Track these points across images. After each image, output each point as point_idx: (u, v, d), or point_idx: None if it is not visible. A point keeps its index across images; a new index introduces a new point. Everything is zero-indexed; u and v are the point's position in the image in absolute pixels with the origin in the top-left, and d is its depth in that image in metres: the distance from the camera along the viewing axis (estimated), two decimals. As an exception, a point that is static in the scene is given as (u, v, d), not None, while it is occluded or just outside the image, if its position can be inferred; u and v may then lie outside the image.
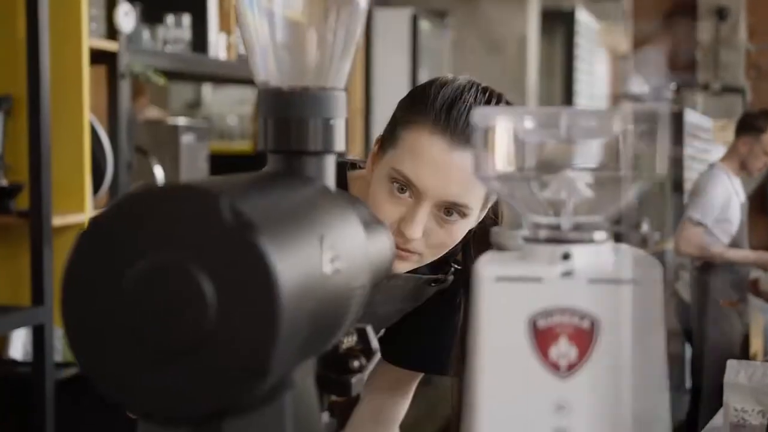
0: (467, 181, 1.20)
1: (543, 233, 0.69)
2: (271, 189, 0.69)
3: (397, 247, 1.22)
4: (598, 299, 0.66)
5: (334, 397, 0.89)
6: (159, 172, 2.82)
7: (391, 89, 4.43)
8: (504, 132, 0.69)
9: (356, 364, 0.84)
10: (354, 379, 0.84)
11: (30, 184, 2.25)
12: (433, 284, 1.39)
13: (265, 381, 0.59)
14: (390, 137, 1.25)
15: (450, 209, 1.22)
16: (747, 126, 4.26)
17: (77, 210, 2.40)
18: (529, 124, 0.69)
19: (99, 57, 2.54)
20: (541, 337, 0.66)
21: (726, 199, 4.21)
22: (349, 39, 0.81)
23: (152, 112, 4.01)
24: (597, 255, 0.68)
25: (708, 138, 7.09)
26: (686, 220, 4.22)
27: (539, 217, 0.70)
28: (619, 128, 0.68)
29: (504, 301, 0.66)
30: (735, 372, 2.00)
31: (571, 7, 6.92)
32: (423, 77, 5.89)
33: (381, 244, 0.83)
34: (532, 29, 5.50)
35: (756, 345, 4.50)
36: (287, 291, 0.59)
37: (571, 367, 0.66)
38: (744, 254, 4.32)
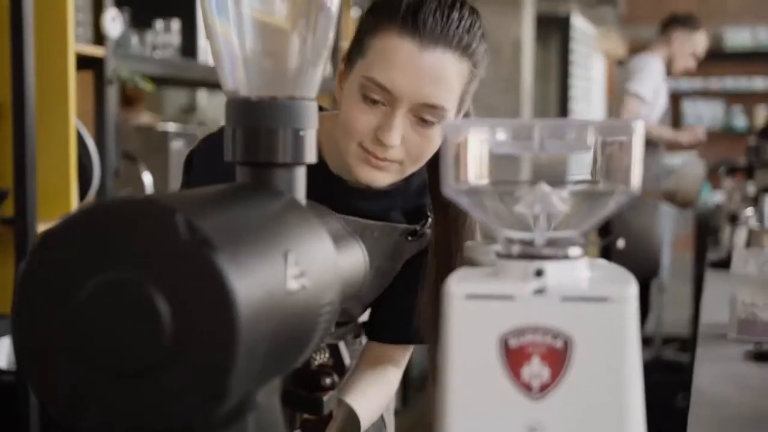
0: (441, 82, 1.18)
1: (516, 249, 0.67)
2: (235, 203, 0.67)
3: (376, 157, 1.21)
4: (572, 318, 0.63)
5: (306, 416, 0.86)
6: (147, 179, 2.79)
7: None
8: (475, 145, 0.67)
9: (328, 381, 0.82)
10: (326, 397, 0.82)
11: (15, 190, 2.22)
12: (410, 238, 1.38)
13: (223, 404, 0.57)
14: (357, 48, 1.23)
15: (425, 114, 1.20)
16: (682, 22, 4.41)
17: (63, 216, 2.38)
18: (501, 136, 0.67)
19: (86, 62, 2.52)
20: (513, 357, 0.63)
21: (659, 83, 4.37)
22: (320, 46, 0.79)
23: (145, 118, 3.99)
24: (571, 271, 0.66)
25: (589, 44, 7.31)
26: (627, 94, 4.34)
27: (512, 232, 0.68)
28: (592, 141, 0.65)
29: (474, 319, 0.64)
30: (743, 262, 1.89)
31: (566, 13, 6.91)
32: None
33: (352, 258, 0.80)
34: (527, 34, 5.48)
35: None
36: (246, 310, 0.57)
37: (544, 388, 0.63)
38: (669, 132, 4.58)
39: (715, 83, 9.82)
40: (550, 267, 0.65)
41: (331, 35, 0.80)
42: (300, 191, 0.77)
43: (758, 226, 2.90)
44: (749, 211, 3.02)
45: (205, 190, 0.69)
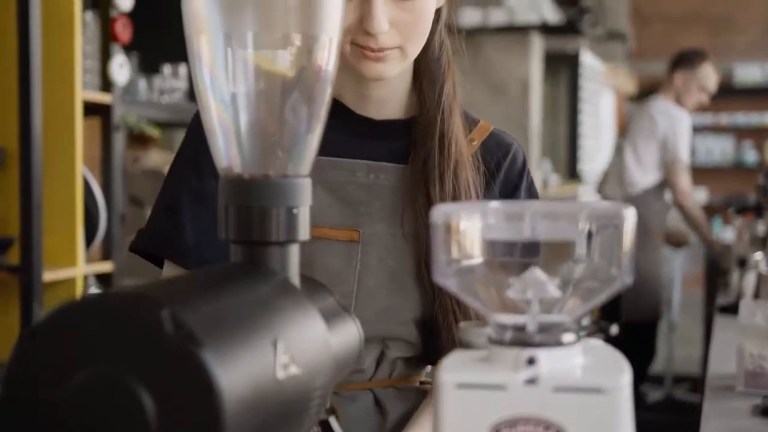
0: None
1: (508, 335, 0.66)
2: (223, 290, 0.66)
3: (372, 50, 1.16)
4: (565, 408, 0.62)
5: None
6: (154, 223, 2.79)
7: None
8: (466, 229, 0.67)
9: (320, 460, 0.81)
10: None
11: (20, 238, 2.23)
12: None
13: (209, 500, 0.56)
14: None
15: None
16: (681, 62, 4.40)
17: (69, 264, 2.38)
18: (492, 221, 0.66)
19: (93, 109, 2.53)
20: (505, 448, 0.62)
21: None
22: (314, 116, 0.79)
23: (154, 157, 4.00)
24: (564, 359, 0.65)
25: (599, 80, 7.32)
26: (679, 163, 4.29)
27: (504, 317, 0.67)
28: (584, 227, 0.65)
29: (466, 409, 0.63)
30: (750, 312, 1.85)
31: (575, 50, 6.92)
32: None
33: (346, 335, 0.80)
34: (535, 72, 5.49)
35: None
36: (233, 405, 0.56)
37: (536, 480, 0.62)
38: (706, 228, 4.52)
39: (725, 119, 9.83)
40: (543, 354, 0.64)
41: (324, 113, 0.80)
42: (293, 269, 0.77)
43: (768, 270, 2.89)
44: (758, 255, 3.00)
45: (195, 276, 0.68)
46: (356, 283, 1.20)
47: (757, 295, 2.84)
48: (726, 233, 7.46)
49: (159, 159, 3.97)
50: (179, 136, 4.80)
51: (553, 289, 0.67)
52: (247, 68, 0.76)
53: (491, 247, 0.67)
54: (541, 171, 5.96)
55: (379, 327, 1.22)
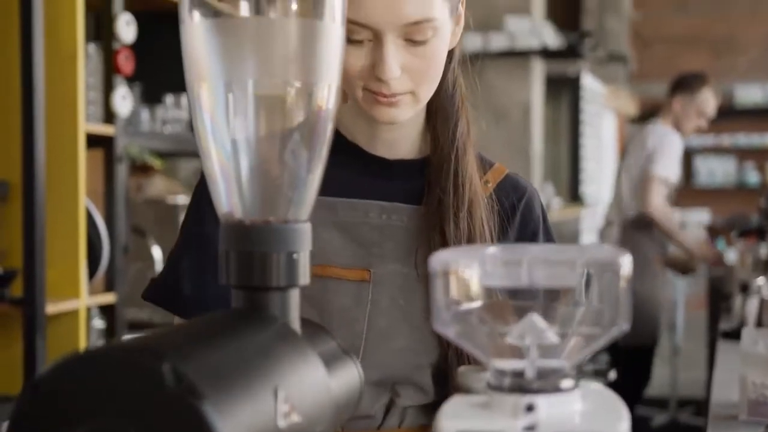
0: None
1: (506, 381, 0.66)
2: (223, 338, 0.67)
3: (384, 96, 1.15)
4: (563, 455, 0.63)
5: None
6: (157, 253, 2.80)
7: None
8: (464, 276, 0.67)
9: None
10: None
11: (24, 271, 2.23)
12: None
13: None
14: None
15: (414, 34, 1.13)
16: (680, 86, 4.40)
17: (72, 296, 2.39)
18: (489, 268, 0.67)
19: (96, 141, 2.55)
20: (505, 496, 0.63)
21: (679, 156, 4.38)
22: (314, 159, 0.79)
23: (158, 184, 4.01)
24: (563, 405, 0.65)
25: (600, 103, 7.33)
26: (654, 177, 4.27)
27: (503, 363, 0.68)
28: (581, 274, 0.65)
29: (465, 456, 0.64)
30: (752, 341, 1.84)
31: (576, 73, 6.95)
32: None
33: (347, 379, 0.80)
34: (536, 97, 5.51)
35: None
36: (234, 457, 0.57)
37: None
38: (690, 242, 4.52)
39: (727, 139, 9.85)
40: (542, 401, 0.65)
41: (324, 156, 0.81)
42: (294, 313, 0.77)
43: (770, 295, 2.88)
44: (761, 280, 3.00)
45: (195, 325, 0.69)
46: (366, 323, 1.19)
47: (760, 320, 2.84)
48: (729, 254, 7.44)
49: (163, 186, 3.98)
50: (182, 164, 4.82)
51: (551, 335, 0.67)
52: (247, 115, 0.77)
53: (489, 293, 0.68)
54: (543, 194, 5.97)
55: (390, 370, 1.20)
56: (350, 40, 1.13)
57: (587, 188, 7.47)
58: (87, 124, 2.46)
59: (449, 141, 1.23)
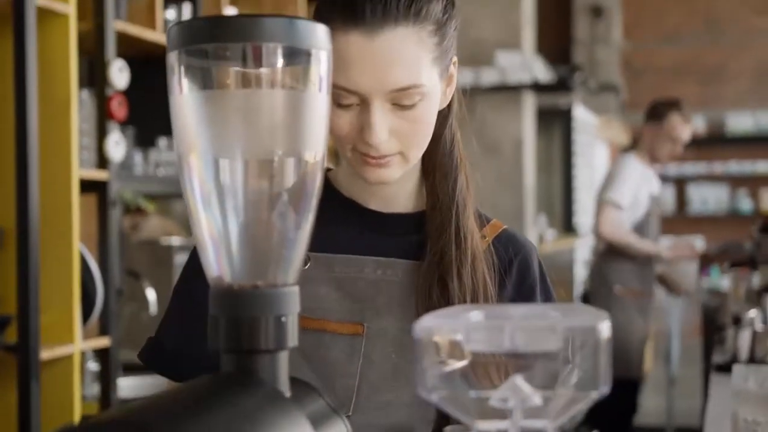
0: (401, 62, 1.12)
1: (491, 445, 0.68)
2: (212, 405, 0.68)
3: (372, 157, 1.15)
4: None
5: None
6: (151, 296, 2.81)
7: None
8: (448, 342, 0.69)
9: None
10: None
11: (18, 317, 2.24)
12: None
13: None
14: None
15: (401, 98, 1.13)
16: (650, 114, 4.43)
17: (67, 341, 2.40)
18: (473, 334, 0.68)
19: (90, 186, 2.57)
20: None
21: (638, 185, 4.31)
22: (300, 233, 0.81)
23: (154, 223, 4.02)
24: (546, 467, 0.67)
25: (592, 133, 7.36)
26: (605, 201, 4.28)
27: (486, 424, 0.69)
28: (561, 340, 0.67)
29: None
30: (743, 378, 1.84)
31: (567, 105, 7.00)
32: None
33: (336, 440, 0.82)
34: (528, 130, 5.55)
35: (648, 358, 4.52)
36: None
37: None
38: (656, 248, 4.44)
39: (719, 167, 9.91)
40: (525, 464, 0.66)
41: (311, 218, 0.82)
42: (283, 376, 0.79)
43: (763, 328, 2.89)
44: (752, 312, 3.01)
45: (183, 391, 0.70)
46: (359, 377, 1.20)
47: (752, 353, 2.85)
48: (722, 282, 7.45)
49: (158, 226, 3.99)
50: (176, 205, 4.84)
51: (534, 397, 0.69)
52: (235, 183, 0.78)
53: (473, 358, 0.69)
54: (536, 227, 5.99)
55: (381, 421, 1.21)
56: (339, 104, 1.14)
57: (580, 218, 7.50)
58: (81, 169, 2.47)
59: (449, 196, 1.23)
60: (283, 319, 0.78)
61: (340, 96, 1.13)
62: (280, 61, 0.77)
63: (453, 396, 0.70)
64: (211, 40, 0.76)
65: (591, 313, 0.70)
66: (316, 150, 0.80)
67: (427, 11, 1.14)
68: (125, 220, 3.09)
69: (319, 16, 1.16)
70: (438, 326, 0.69)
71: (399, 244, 1.26)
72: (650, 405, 6.43)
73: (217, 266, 0.80)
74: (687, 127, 4.44)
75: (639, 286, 4.35)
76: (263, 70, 0.76)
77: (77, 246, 2.42)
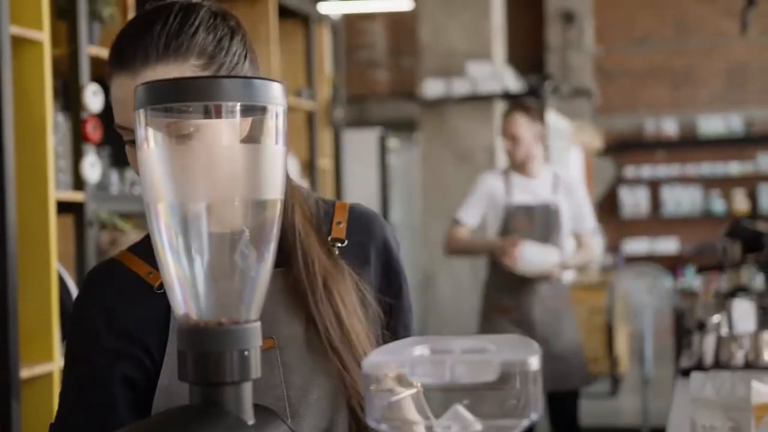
0: None
1: (434, 470, 0.75)
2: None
3: None
4: None
5: None
6: (129, 312, 2.85)
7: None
8: (394, 376, 0.76)
9: None
10: None
11: (-3, 337, 2.29)
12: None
13: None
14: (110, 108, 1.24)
15: (180, 128, 1.13)
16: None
17: (46, 360, 2.45)
18: (417, 369, 0.75)
19: (66, 207, 2.62)
20: None
21: (489, 200, 4.09)
22: (261, 272, 0.88)
23: (132, 238, 4.06)
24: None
25: (566, 138, 7.43)
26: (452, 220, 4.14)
27: (433, 452, 0.76)
28: (497, 374, 0.74)
29: None
30: (701, 385, 1.89)
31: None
32: (393, 192, 6.02)
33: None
34: (500, 139, 5.63)
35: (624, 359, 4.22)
36: None
37: None
38: (486, 242, 4.13)
39: (692, 169, 10.03)
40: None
41: (271, 258, 0.89)
42: (247, 405, 0.85)
43: (727, 333, 2.96)
44: (716, 318, 3.08)
45: (156, 421, 0.77)
46: (284, 385, 1.22)
47: (717, 358, 2.92)
48: (696, 283, 7.54)
49: (135, 237, 4.03)
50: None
51: (475, 425, 0.76)
52: (199, 229, 0.85)
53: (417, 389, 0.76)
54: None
55: (318, 421, 1.25)
56: (127, 142, 1.20)
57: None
58: (57, 191, 2.53)
59: (291, 227, 1.26)
60: (246, 352, 0.85)
61: (127, 135, 1.19)
62: (238, 117, 0.83)
63: (399, 425, 0.77)
64: (175, 100, 0.82)
65: (524, 346, 0.77)
66: (274, 195, 0.87)
67: (189, 45, 1.17)
68: (103, 236, 3.13)
69: (106, 65, 1.22)
70: (385, 363, 0.76)
71: None
72: (625, 405, 6.53)
73: (184, 305, 0.87)
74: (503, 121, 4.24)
75: (512, 302, 4.11)
76: (223, 126, 0.83)
77: (55, 266, 2.47)
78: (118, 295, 1.24)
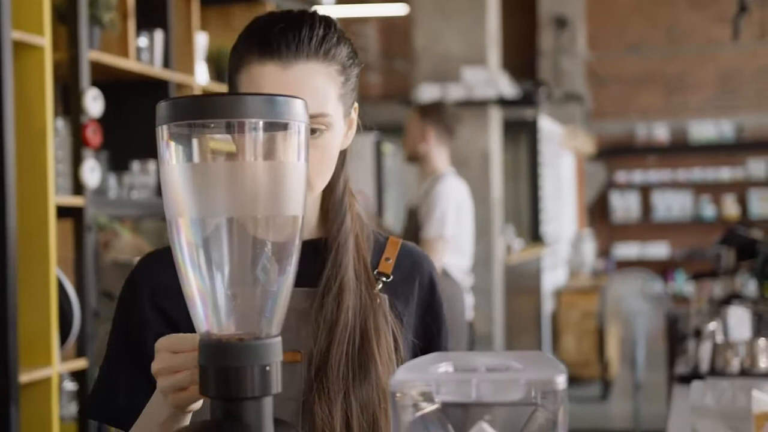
0: (311, 92, 1.19)
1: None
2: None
3: None
4: None
5: None
6: (126, 317, 2.85)
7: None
8: (419, 394, 0.76)
9: None
10: None
11: (-3, 343, 2.29)
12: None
13: None
14: (231, 89, 1.25)
15: (312, 123, 1.17)
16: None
17: (45, 364, 2.45)
18: (442, 387, 0.75)
19: (66, 211, 2.62)
20: None
21: (453, 206, 3.92)
22: (282, 288, 0.88)
23: (125, 239, 4.05)
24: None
25: (558, 143, 7.42)
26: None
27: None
28: (523, 393, 0.74)
29: None
30: (701, 393, 1.90)
31: (533, 117, 7.10)
32: (389, 197, 6.02)
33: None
34: (494, 144, 5.64)
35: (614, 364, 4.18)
36: None
37: None
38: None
39: (683, 175, 10.07)
40: (489, 503, 0.73)
41: (293, 272, 0.89)
42: (267, 420, 0.86)
43: (723, 341, 2.97)
44: (712, 325, 3.09)
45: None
46: (302, 399, 1.24)
47: (713, 365, 2.93)
48: (687, 287, 7.55)
49: (130, 244, 4.02)
50: (150, 225, 4.87)
51: (498, 442, 0.76)
52: (220, 244, 0.85)
53: (444, 407, 0.77)
54: (504, 237, 6.08)
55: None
56: None
57: (547, 227, 7.60)
58: (57, 196, 2.53)
59: (334, 236, 1.29)
60: (267, 368, 0.85)
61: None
62: (261, 134, 0.84)
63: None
64: (198, 117, 0.82)
65: (550, 365, 0.78)
66: (295, 210, 0.87)
67: (334, 53, 1.24)
68: (98, 237, 3.13)
69: (237, 50, 1.24)
70: (411, 380, 0.76)
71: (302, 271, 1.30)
72: (617, 410, 6.55)
73: (205, 321, 0.87)
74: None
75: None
76: (246, 142, 0.83)
77: (54, 270, 2.46)
78: (164, 277, 1.20)
